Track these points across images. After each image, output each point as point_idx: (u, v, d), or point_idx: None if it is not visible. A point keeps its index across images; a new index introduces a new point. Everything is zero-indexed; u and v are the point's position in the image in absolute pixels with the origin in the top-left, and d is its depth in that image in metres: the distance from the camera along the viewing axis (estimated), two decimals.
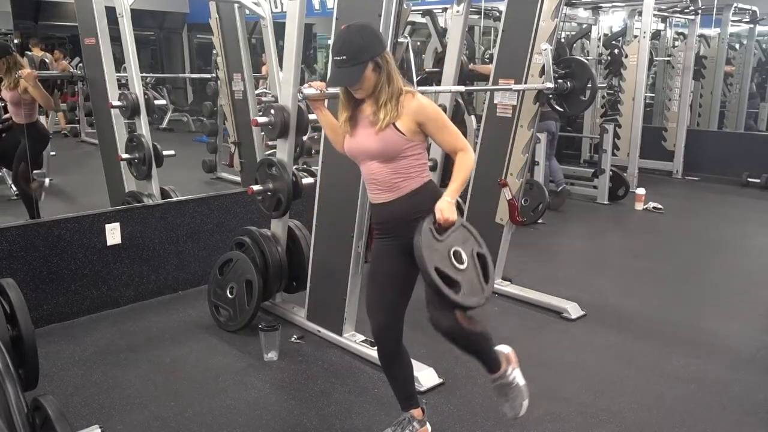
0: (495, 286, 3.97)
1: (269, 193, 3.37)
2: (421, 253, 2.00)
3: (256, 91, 6.28)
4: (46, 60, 7.31)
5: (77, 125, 9.37)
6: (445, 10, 7.14)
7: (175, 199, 4.38)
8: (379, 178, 2.18)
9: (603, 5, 7.57)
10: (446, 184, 2.25)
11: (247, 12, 5.60)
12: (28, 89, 4.47)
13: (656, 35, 8.45)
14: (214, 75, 7.04)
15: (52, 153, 6.64)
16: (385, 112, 2.09)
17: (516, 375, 2.31)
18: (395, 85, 2.11)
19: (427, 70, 6.17)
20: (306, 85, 2.34)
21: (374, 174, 2.18)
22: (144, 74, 8.48)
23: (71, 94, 9.34)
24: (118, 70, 4.77)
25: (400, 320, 2.28)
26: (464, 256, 2.09)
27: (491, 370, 2.29)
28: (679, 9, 7.48)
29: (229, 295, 3.42)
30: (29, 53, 7.03)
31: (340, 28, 2.17)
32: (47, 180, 5.21)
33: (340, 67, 2.08)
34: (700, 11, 7.39)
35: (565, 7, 3.70)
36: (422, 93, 2.20)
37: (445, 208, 2.08)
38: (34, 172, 4.91)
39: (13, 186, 5.41)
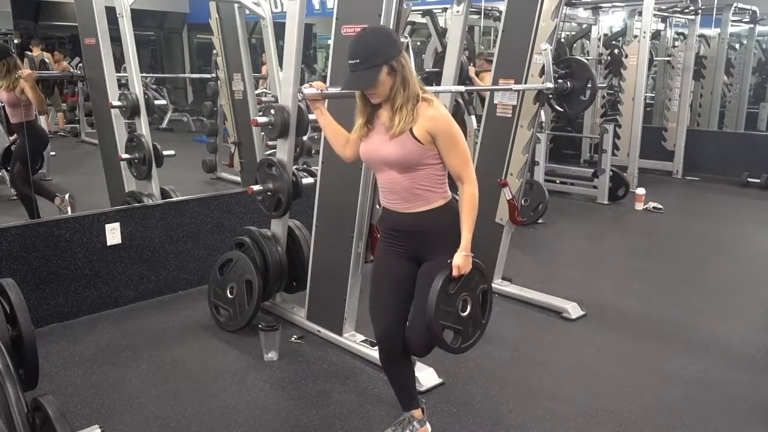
0: (495, 286, 3.98)
1: (269, 193, 3.37)
2: (432, 318, 2.06)
3: (256, 91, 6.28)
4: (46, 60, 7.32)
5: (77, 125, 9.37)
6: (445, 10, 7.15)
7: (175, 199, 4.38)
8: (397, 188, 2.12)
9: (603, 5, 7.56)
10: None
11: (247, 12, 5.60)
12: (25, 90, 4.47)
13: (656, 35, 8.45)
14: (214, 75, 7.05)
15: (52, 153, 6.66)
16: (400, 118, 2.02)
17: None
18: (411, 89, 2.03)
19: (427, 70, 6.18)
20: (306, 85, 2.33)
21: (392, 183, 2.12)
22: (144, 74, 8.50)
23: (71, 94, 9.35)
24: (118, 70, 4.77)
25: (403, 322, 2.27)
26: (470, 305, 2.17)
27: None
28: (679, 9, 7.48)
29: (229, 295, 3.42)
30: (29, 53, 7.03)
31: (356, 32, 2.14)
32: (68, 196, 5.06)
33: (354, 71, 2.02)
34: (700, 11, 7.39)
35: (565, 7, 3.69)
36: None
37: (462, 264, 2.08)
38: (40, 171, 4.89)
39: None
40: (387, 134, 2.08)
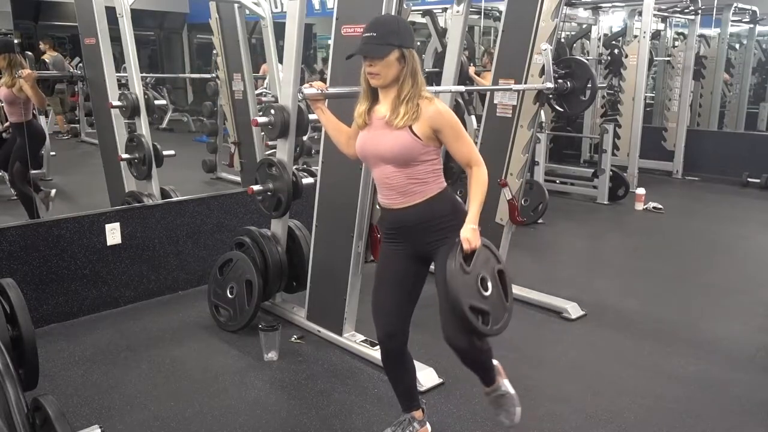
0: None
1: (269, 193, 3.37)
2: (457, 296, 1.96)
3: (256, 91, 6.29)
4: (46, 60, 7.30)
5: (77, 125, 9.36)
6: (445, 10, 7.15)
7: (175, 199, 4.38)
8: (393, 182, 2.12)
9: (603, 5, 7.57)
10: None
11: (247, 12, 5.60)
12: (23, 88, 4.47)
13: (656, 35, 8.45)
14: (214, 75, 7.05)
15: (52, 153, 6.65)
16: (405, 110, 2.03)
17: (507, 385, 2.38)
18: (419, 85, 2.07)
19: (427, 70, 6.17)
20: (306, 84, 2.33)
21: (389, 179, 2.13)
22: (144, 74, 8.49)
23: (71, 94, 9.33)
24: (118, 70, 4.77)
25: (407, 324, 2.26)
26: (489, 283, 2.08)
27: (487, 383, 2.37)
28: (679, 9, 7.49)
29: (229, 295, 3.42)
30: (29, 53, 7.01)
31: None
32: (53, 191, 5.14)
33: (366, 43, 2.04)
34: (700, 11, 7.40)
35: (565, 7, 3.69)
36: None
37: (471, 236, 2.03)
38: (32, 172, 4.89)
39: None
40: (384, 129, 2.09)
